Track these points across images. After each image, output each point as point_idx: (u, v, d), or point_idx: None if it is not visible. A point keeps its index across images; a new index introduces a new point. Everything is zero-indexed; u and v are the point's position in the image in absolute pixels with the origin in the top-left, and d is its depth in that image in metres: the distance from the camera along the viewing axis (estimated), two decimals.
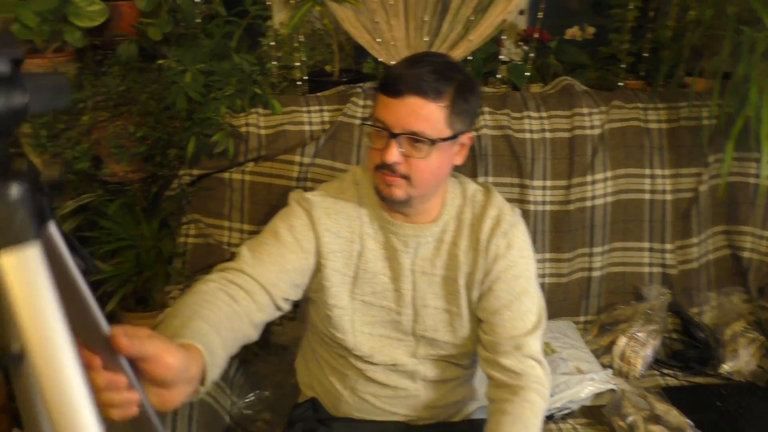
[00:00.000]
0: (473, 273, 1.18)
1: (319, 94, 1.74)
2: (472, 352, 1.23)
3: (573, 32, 1.95)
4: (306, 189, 1.63)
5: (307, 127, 1.64)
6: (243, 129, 1.60)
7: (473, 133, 1.14)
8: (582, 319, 1.70)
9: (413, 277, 1.18)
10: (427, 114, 1.04)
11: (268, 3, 1.79)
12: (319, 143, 1.61)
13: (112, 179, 1.55)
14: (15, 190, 0.47)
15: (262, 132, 1.63)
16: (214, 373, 0.86)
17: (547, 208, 1.64)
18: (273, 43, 1.81)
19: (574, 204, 1.63)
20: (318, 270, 1.18)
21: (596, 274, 1.67)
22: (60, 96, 0.53)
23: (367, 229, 1.19)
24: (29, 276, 0.46)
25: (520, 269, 1.18)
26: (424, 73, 1.04)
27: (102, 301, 1.72)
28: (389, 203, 1.14)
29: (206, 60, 1.60)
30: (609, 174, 1.64)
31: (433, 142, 1.05)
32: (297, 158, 1.61)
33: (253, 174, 1.62)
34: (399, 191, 1.09)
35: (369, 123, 1.11)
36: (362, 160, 1.64)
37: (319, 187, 1.26)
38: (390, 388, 1.23)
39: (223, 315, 0.98)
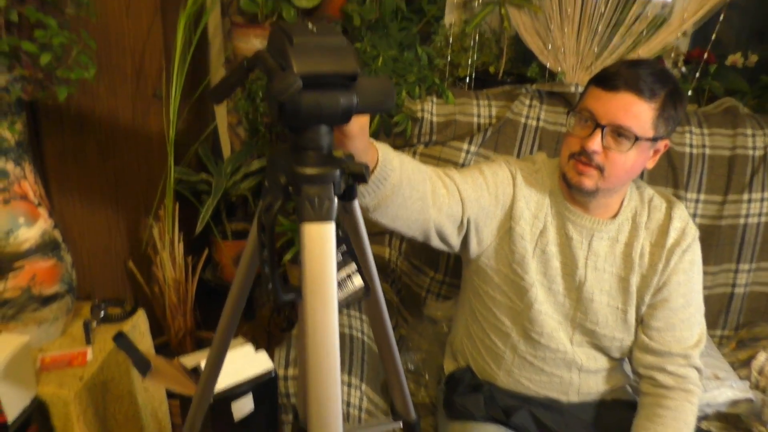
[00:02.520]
0: (649, 277, 1.23)
1: (485, 90, 1.89)
2: (628, 348, 1.29)
3: (735, 59, 2.00)
4: None
5: (475, 119, 1.78)
6: (419, 114, 1.77)
7: (668, 142, 1.20)
8: (719, 333, 1.74)
9: (585, 271, 1.24)
10: (638, 112, 1.11)
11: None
12: (486, 135, 1.75)
13: None
14: (335, 176, 0.61)
15: (435, 119, 1.78)
16: (382, 170, 1.00)
17: (698, 221, 1.70)
18: (445, 41, 1.97)
19: (726, 220, 1.69)
20: (508, 234, 1.25)
21: (739, 290, 1.71)
22: (385, 99, 0.65)
23: (549, 211, 1.26)
24: (320, 246, 0.61)
25: (697, 285, 1.26)
26: (644, 74, 1.11)
27: (280, 253, 1.93)
28: (575, 192, 1.20)
29: (395, 48, 1.78)
30: (767, 194, 1.68)
31: (636, 138, 1.11)
32: (464, 146, 1.75)
33: (423, 156, 1.77)
34: (589, 181, 1.16)
35: (576, 111, 1.18)
36: (523, 154, 1.76)
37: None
38: (545, 374, 1.30)
39: (417, 183, 1.08)
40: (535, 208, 1.27)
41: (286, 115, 0.59)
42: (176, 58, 1.40)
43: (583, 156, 1.15)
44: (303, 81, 0.56)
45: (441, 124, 1.78)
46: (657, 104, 1.12)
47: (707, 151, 1.70)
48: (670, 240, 1.23)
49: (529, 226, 1.26)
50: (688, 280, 1.24)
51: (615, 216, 1.25)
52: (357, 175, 0.63)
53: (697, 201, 1.70)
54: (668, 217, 1.25)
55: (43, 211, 1.23)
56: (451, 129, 1.77)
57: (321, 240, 0.61)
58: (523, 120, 1.77)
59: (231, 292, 0.73)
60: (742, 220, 1.69)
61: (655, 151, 1.19)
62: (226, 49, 1.86)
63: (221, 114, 2.04)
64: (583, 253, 1.25)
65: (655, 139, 1.14)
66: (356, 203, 0.69)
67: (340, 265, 0.72)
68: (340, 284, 0.72)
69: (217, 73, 2.06)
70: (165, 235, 1.50)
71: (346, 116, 0.61)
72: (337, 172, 0.62)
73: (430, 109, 1.78)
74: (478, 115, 1.79)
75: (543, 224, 1.27)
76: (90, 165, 1.51)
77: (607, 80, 1.13)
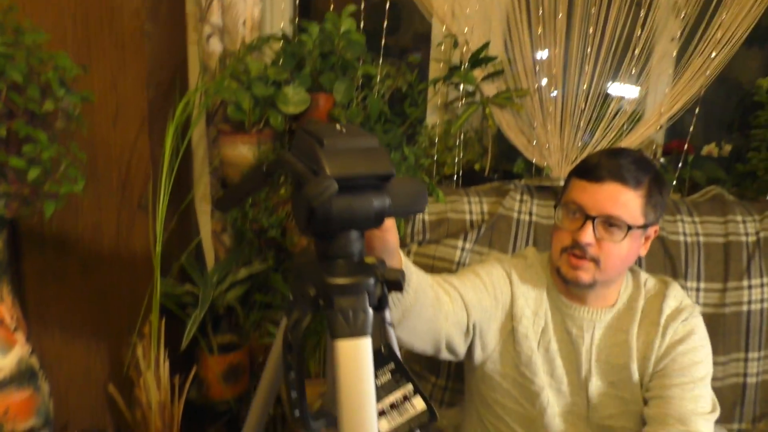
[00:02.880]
0: (646, 357, 1.19)
1: (474, 187, 1.88)
2: None
3: (710, 149, 2.06)
4: None
5: (467, 216, 1.76)
6: None
7: (658, 227, 1.21)
8: (736, 426, 1.66)
9: (590, 365, 1.20)
10: (626, 201, 1.11)
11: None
12: (480, 231, 1.73)
13: (293, 248, 1.69)
14: (370, 285, 0.56)
15: (427, 217, 1.76)
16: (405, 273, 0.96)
17: (702, 310, 1.65)
18: (429, 141, 1.99)
19: (729, 308, 1.66)
20: (511, 336, 1.21)
21: (751, 380, 1.65)
22: (417, 201, 0.63)
23: (548, 307, 1.23)
24: (357, 366, 0.55)
25: (699, 356, 1.19)
26: (625, 163, 1.12)
27: None
28: (572, 286, 1.18)
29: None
30: (766, 280, 1.67)
31: (629, 227, 1.10)
32: (459, 243, 1.72)
33: (417, 255, 1.73)
34: (585, 275, 1.13)
35: (562, 204, 1.18)
36: (518, 249, 1.73)
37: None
38: None
39: (426, 288, 1.03)
40: (534, 305, 1.24)
41: (316, 221, 0.54)
42: (164, 167, 1.36)
43: (576, 249, 1.14)
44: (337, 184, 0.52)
45: (433, 223, 1.75)
46: (643, 191, 1.13)
47: (701, 239, 1.70)
48: (664, 316, 1.20)
49: (531, 324, 1.22)
50: (688, 351, 1.18)
51: (613, 305, 1.22)
52: (392, 283, 0.58)
53: (698, 290, 1.67)
54: (662, 296, 1.23)
55: (20, 337, 1.14)
56: (444, 227, 1.74)
57: (358, 358, 0.54)
58: (515, 215, 1.75)
59: (248, 421, 0.65)
60: (745, 307, 1.66)
61: (646, 238, 1.19)
62: (212, 156, 1.83)
63: (204, 221, 1.98)
64: (585, 347, 1.20)
65: (645, 226, 1.15)
66: (387, 314, 0.63)
67: (392, 387, 0.65)
68: (398, 408, 0.65)
69: (201, 181, 2.03)
70: (150, 354, 1.39)
71: (378, 220, 0.57)
72: (372, 281, 0.56)
73: None
74: (470, 212, 1.77)
75: (544, 321, 1.23)
76: (72, 284, 1.43)
77: (590, 172, 1.14)
